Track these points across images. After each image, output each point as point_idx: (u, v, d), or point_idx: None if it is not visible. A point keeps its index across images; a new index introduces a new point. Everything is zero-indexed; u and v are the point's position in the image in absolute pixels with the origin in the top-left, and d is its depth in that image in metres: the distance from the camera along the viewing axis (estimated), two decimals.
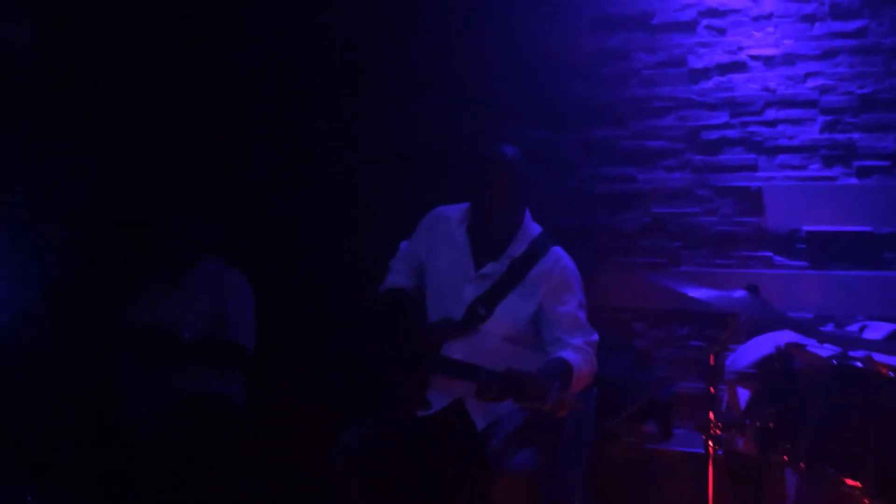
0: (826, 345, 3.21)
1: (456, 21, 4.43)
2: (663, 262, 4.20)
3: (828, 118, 3.93)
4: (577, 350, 2.92)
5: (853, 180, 3.90)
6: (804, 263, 3.98)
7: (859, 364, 2.88)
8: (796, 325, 3.42)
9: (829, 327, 3.89)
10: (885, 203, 3.86)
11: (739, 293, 3.22)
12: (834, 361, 2.92)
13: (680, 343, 4.19)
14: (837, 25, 3.89)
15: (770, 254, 4.04)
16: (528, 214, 3.15)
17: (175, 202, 4.04)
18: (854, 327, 3.73)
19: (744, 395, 3.66)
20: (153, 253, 4.03)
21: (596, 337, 3.04)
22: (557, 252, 3.11)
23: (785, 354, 3.37)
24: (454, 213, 3.23)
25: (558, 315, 3.00)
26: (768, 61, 4.00)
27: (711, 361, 3.19)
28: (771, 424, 3.04)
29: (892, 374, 2.78)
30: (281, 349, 4.33)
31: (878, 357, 2.87)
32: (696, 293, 3.21)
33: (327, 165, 4.71)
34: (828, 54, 3.91)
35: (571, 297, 3.04)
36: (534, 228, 3.17)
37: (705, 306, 3.96)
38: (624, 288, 4.23)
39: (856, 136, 3.89)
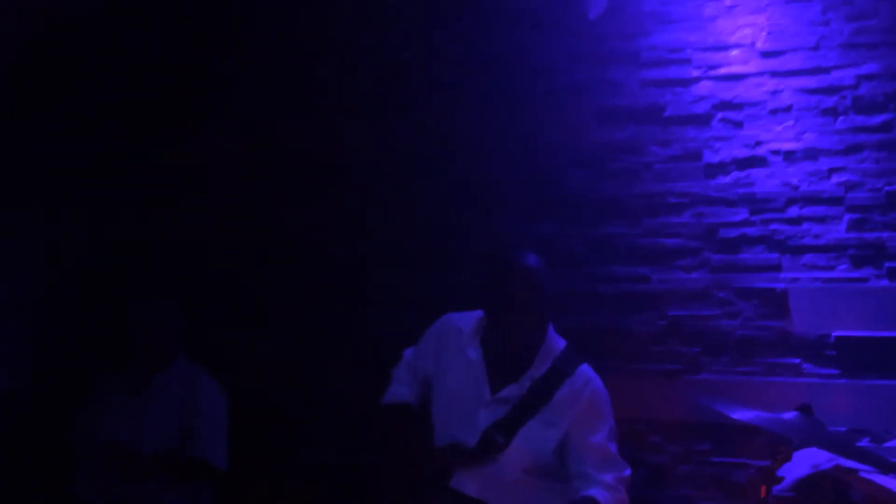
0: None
1: (460, 105, 4.04)
2: (680, 369, 3.74)
3: (855, 216, 3.56)
4: (608, 488, 2.51)
5: (885, 282, 3.52)
6: (834, 371, 3.55)
7: None
8: (852, 450, 2.95)
9: (864, 442, 3.45)
10: None
11: (791, 414, 2.77)
12: None
13: (700, 459, 3.69)
14: (861, 119, 3.57)
15: (797, 360, 3.60)
16: (550, 328, 2.69)
17: (141, 291, 3.51)
18: (893, 443, 3.29)
19: None
20: (116, 351, 3.45)
21: (628, 472, 2.59)
22: (586, 372, 2.68)
23: (838, 482, 2.90)
24: (466, 323, 2.78)
25: (587, 446, 2.57)
26: (789, 156, 3.65)
27: (763, 494, 2.68)
28: None
29: None
30: (259, 458, 3.75)
31: None
32: (741, 415, 2.75)
33: (317, 252, 4.21)
34: (852, 149, 3.57)
35: (602, 426, 2.63)
36: (558, 343, 2.73)
37: (729, 419, 3.52)
38: (636, 397, 3.73)
39: (885, 234, 3.52)
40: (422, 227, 4.05)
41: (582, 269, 3.87)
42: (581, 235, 3.88)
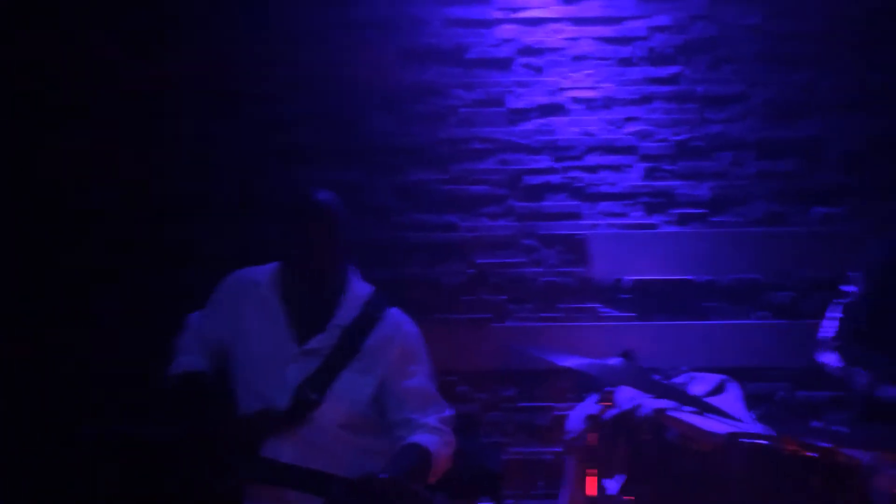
0: (710, 416, 2.77)
1: (243, 38, 3.39)
2: (488, 318, 3.53)
3: (647, 165, 3.56)
4: (433, 431, 2.25)
5: (674, 228, 3.57)
6: (630, 314, 3.56)
7: (765, 442, 2.41)
8: (670, 391, 2.94)
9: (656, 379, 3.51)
10: (703, 251, 3.57)
11: (615, 360, 2.68)
12: (739, 440, 2.41)
13: (508, 405, 3.55)
14: (653, 71, 3.54)
15: (596, 305, 3.56)
16: (355, 274, 2.35)
17: None
18: (681, 379, 3.37)
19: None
20: None
21: (451, 412, 2.35)
22: (397, 315, 2.38)
23: (656, 423, 2.88)
24: (262, 275, 2.37)
25: (406, 391, 2.29)
26: (588, 104, 3.54)
27: None
28: None
29: (809, 452, 2.30)
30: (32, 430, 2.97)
31: (783, 433, 2.45)
32: (569, 362, 2.61)
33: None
34: (645, 99, 3.55)
35: (418, 368, 2.34)
36: (363, 288, 2.39)
37: (533, 364, 3.41)
38: (445, 348, 3.46)
39: (674, 183, 3.57)
40: (210, 176, 3.39)
41: (388, 218, 3.49)
42: (386, 183, 3.49)
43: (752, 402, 3.43)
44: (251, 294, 2.35)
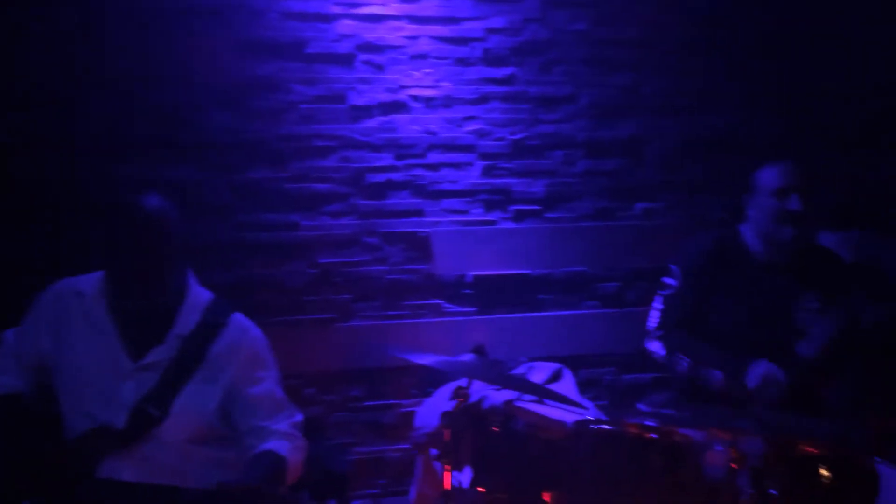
0: (556, 404, 2.88)
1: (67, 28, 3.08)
2: (333, 318, 3.46)
3: (485, 163, 3.62)
4: (285, 437, 2.18)
5: (511, 224, 3.66)
6: (472, 309, 3.62)
7: (610, 427, 2.53)
8: (521, 384, 3.02)
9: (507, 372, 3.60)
10: (539, 246, 3.69)
11: (467, 356, 2.72)
12: (588, 426, 2.51)
13: (354, 405, 3.50)
14: (489, 71, 3.60)
15: (440, 301, 3.58)
16: (192, 279, 2.24)
17: None
18: (521, 369, 3.49)
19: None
20: None
21: (300, 416, 2.30)
22: (241, 320, 2.28)
23: (505, 414, 2.96)
24: (86, 286, 2.19)
25: (255, 398, 2.20)
26: (429, 102, 3.54)
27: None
28: (505, 495, 2.56)
29: (650, 434, 2.44)
30: None
31: (630, 417, 2.58)
32: (423, 360, 2.62)
33: None
34: (483, 99, 3.59)
35: (266, 373, 2.25)
36: (202, 294, 2.28)
37: (379, 362, 3.40)
38: (290, 350, 3.36)
39: (511, 180, 3.65)
40: (27, 174, 3.06)
41: (227, 218, 3.32)
42: (224, 181, 3.31)
43: (583, 387, 3.60)
44: (74, 307, 2.15)
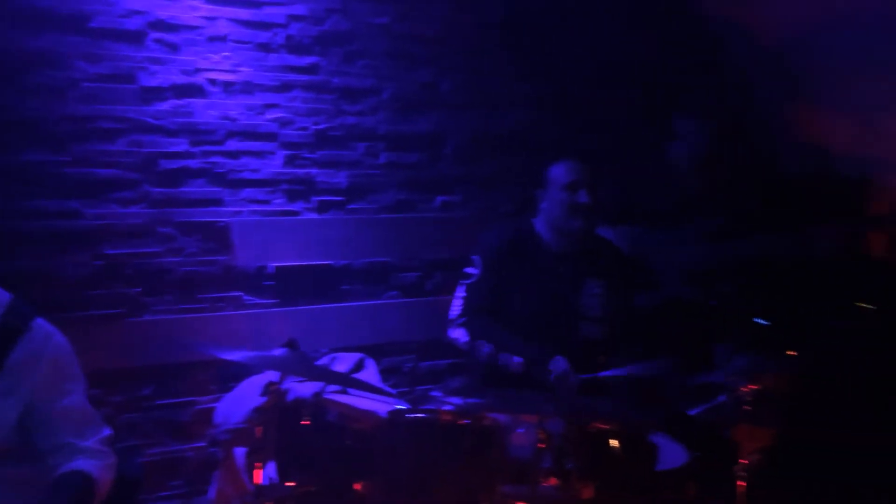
0: (366, 394, 2.85)
1: None
2: (121, 313, 3.17)
3: (288, 152, 3.48)
4: (94, 454, 2.01)
5: (314, 215, 3.56)
6: (274, 300, 3.47)
7: (424, 415, 2.55)
8: (336, 377, 2.96)
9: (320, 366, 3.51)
10: (341, 237, 3.61)
11: (280, 351, 2.63)
12: (404, 415, 2.52)
13: (146, 404, 3.24)
14: (292, 59, 3.46)
15: (240, 293, 3.41)
16: None
17: None
18: (324, 360, 3.44)
19: (240, 453, 3.04)
20: None
21: (109, 431, 2.12)
22: (44, 326, 2.07)
23: (315, 407, 2.90)
24: None
25: (61, 412, 2.00)
26: (227, 87, 3.34)
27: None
28: (315, 488, 2.52)
29: (462, 420, 2.48)
30: None
31: (439, 405, 2.61)
32: (233, 356, 2.51)
33: None
34: (285, 87, 3.45)
35: (74, 385, 2.06)
36: (1, 296, 2.04)
37: (172, 358, 3.19)
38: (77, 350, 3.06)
39: (314, 170, 3.55)
40: None
41: None
42: None
43: (384, 375, 3.59)
44: None
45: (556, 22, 3.95)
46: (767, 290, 3.84)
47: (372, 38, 3.60)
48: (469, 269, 2.97)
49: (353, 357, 3.47)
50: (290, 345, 2.65)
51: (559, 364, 2.77)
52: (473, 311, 2.91)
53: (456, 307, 2.97)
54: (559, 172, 2.91)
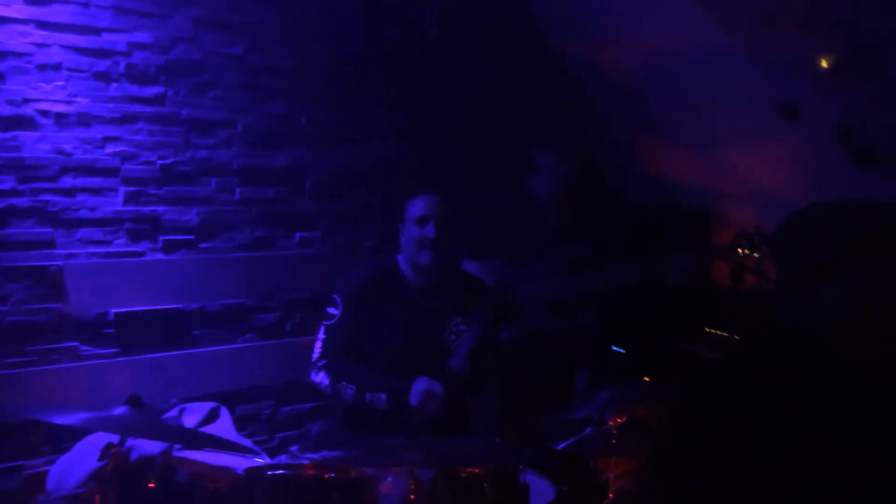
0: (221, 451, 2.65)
1: None
2: None
3: (130, 189, 3.23)
4: None
5: (160, 255, 3.31)
6: (115, 350, 3.19)
7: (287, 472, 2.40)
8: (188, 436, 2.72)
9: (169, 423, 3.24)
10: (192, 278, 3.38)
11: (120, 409, 2.41)
12: (265, 472, 2.35)
13: None
14: (135, 89, 3.22)
15: (75, 343, 3.11)
16: None
17: None
18: (172, 412, 3.19)
19: None
20: None
21: None
22: None
23: (163, 467, 2.67)
24: None
25: None
26: (61, 119, 3.07)
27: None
28: None
29: (328, 474, 2.36)
30: None
31: (300, 459, 2.46)
32: (66, 419, 2.27)
33: None
34: (127, 119, 3.20)
35: None
36: None
37: None
38: None
39: (160, 208, 3.31)
40: None
41: None
42: None
43: (241, 423, 3.38)
44: None
45: (414, 54, 3.91)
46: (624, 319, 3.94)
47: (224, 69, 3.42)
48: (330, 310, 2.84)
49: (204, 406, 3.23)
50: (133, 402, 2.42)
51: (420, 385, 2.66)
52: (334, 353, 2.78)
53: (317, 350, 2.83)
54: (412, 207, 2.86)
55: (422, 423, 2.69)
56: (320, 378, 2.77)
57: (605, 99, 4.39)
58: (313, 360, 2.82)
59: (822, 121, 3.34)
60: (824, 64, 3.18)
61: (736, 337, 3.59)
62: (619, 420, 2.62)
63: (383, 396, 2.69)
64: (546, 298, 3.45)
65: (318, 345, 2.82)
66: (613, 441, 2.57)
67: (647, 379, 3.97)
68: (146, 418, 2.47)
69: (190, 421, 3.15)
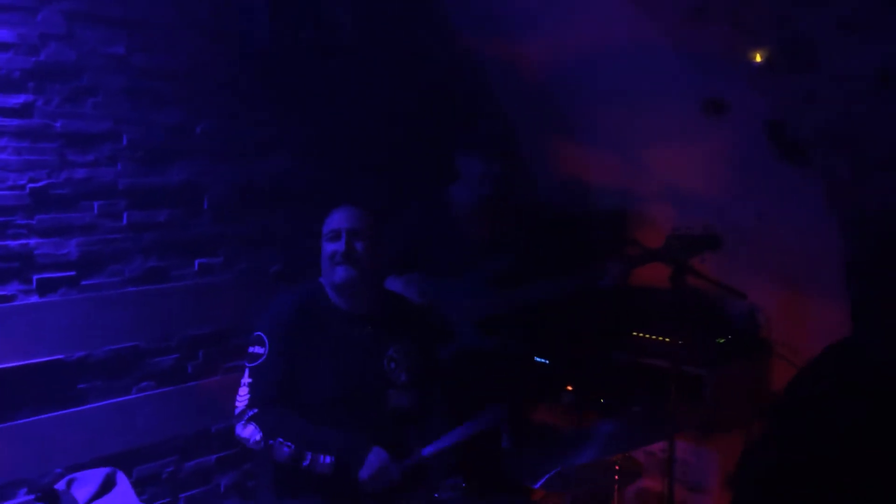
0: None
1: None
2: None
3: None
4: None
5: (34, 298, 2.77)
6: None
7: None
8: None
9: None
10: (74, 322, 2.86)
11: None
12: None
13: None
14: None
15: None
16: None
17: None
18: (60, 485, 2.71)
19: None
20: None
21: None
22: None
23: None
24: None
25: None
26: None
27: None
28: None
29: None
30: None
31: None
32: None
33: None
34: None
35: None
36: None
37: None
38: None
39: (32, 241, 2.76)
40: None
41: None
42: None
43: (140, 486, 2.93)
44: None
45: (318, 58, 3.52)
46: (549, 329, 3.78)
47: (104, 72, 2.90)
48: (254, 349, 2.47)
49: (98, 474, 2.77)
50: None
51: (375, 459, 2.35)
52: (265, 401, 2.41)
53: (242, 397, 2.44)
54: (327, 222, 2.57)
55: (368, 496, 2.39)
56: (249, 433, 2.40)
57: (520, 99, 4.18)
58: (239, 409, 2.44)
59: (749, 116, 3.31)
60: (756, 58, 3.13)
61: (667, 340, 3.50)
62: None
63: (328, 459, 2.36)
64: (475, 315, 3.20)
65: (244, 391, 2.45)
66: None
67: (569, 388, 3.84)
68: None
69: (82, 494, 2.68)
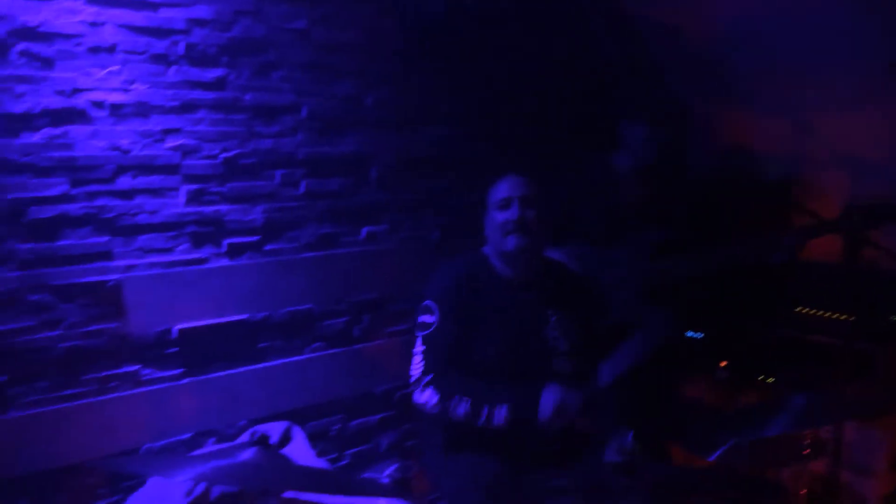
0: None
1: None
2: None
3: (192, 187, 2.85)
4: None
5: (225, 261, 2.95)
6: (178, 371, 2.86)
7: None
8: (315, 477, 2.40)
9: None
10: (258, 285, 3.04)
11: (248, 452, 2.07)
12: None
13: None
14: (195, 73, 2.81)
15: (137, 367, 2.76)
16: None
17: None
18: (245, 437, 2.90)
19: None
20: None
21: None
22: None
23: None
24: None
25: None
26: (116, 111, 2.65)
27: None
28: None
29: None
30: None
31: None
32: (188, 473, 1.96)
33: None
34: (186, 107, 2.81)
35: None
36: None
37: (46, 464, 2.54)
38: None
39: (224, 207, 2.93)
40: None
41: None
42: None
43: (311, 442, 3.10)
44: None
45: (482, 30, 3.52)
46: (708, 302, 3.70)
47: (289, 47, 3.01)
48: (424, 318, 2.53)
49: (278, 427, 2.95)
50: (262, 442, 2.11)
51: (553, 395, 2.35)
52: (439, 367, 2.47)
53: (417, 365, 2.51)
54: (495, 191, 2.57)
55: (539, 442, 2.40)
56: (427, 397, 2.47)
57: (680, 65, 4.05)
58: (414, 377, 2.51)
59: None
60: None
61: (836, 316, 3.38)
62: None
63: (503, 410, 2.39)
64: (637, 286, 3.16)
65: (418, 359, 2.51)
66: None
67: (723, 364, 3.76)
68: (279, 463, 2.12)
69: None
